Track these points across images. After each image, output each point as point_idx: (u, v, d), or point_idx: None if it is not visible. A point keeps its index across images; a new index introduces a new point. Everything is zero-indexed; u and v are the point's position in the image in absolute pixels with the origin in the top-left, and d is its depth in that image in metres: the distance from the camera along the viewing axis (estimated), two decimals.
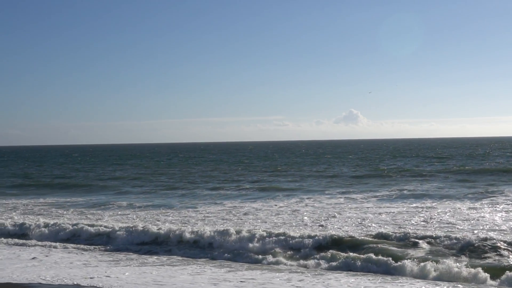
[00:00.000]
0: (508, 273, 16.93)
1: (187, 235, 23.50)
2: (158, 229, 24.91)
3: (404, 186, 43.66)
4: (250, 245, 21.63)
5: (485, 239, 20.48)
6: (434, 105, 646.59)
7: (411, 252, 19.60)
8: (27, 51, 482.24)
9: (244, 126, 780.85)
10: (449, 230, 23.51)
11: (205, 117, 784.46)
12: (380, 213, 29.43)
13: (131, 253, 22.80)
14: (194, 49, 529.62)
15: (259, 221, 28.15)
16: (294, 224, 26.82)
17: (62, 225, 27.49)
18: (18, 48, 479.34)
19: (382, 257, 18.82)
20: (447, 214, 28.42)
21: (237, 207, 33.97)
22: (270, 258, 20.42)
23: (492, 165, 67.73)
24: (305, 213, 30.31)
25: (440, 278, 17.13)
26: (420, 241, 20.76)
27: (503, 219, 26.39)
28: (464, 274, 17.13)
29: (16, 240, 26.15)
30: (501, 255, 19.02)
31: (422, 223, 25.84)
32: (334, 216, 28.81)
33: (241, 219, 28.94)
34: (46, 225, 27.71)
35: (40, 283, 17.50)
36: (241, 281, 17.18)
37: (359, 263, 18.90)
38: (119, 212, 33.57)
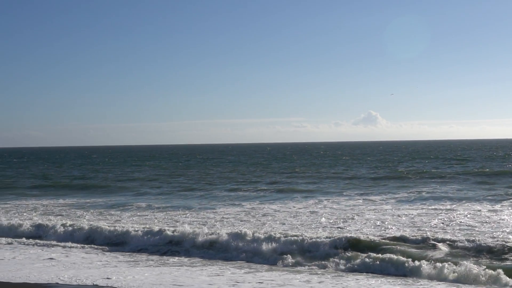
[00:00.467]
0: None
1: (205, 236, 23.50)
2: (173, 231, 24.93)
3: (423, 188, 43.44)
4: (269, 246, 21.59)
5: (505, 242, 20.32)
6: (454, 106, 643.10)
7: (430, 254, 19.48)
8: (48, 53, 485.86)
9: (263, 128, 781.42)
10: (469, 232, 23.35)
11: (224, 119, 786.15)
12: (398, 215, 29.30)
13: (150, 254, 22.88)
14: (215, 50, 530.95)
15: (278, 222, 28.14)
16: (312, 225, 26.77)
17: (81, 225, 27.63)
18: (38, 51, 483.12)
19: (401, 259, 18.73)
20: (467, 216, 28.23)
21: (256, 209, 33.98)
22: (288, 259, 20.39)
23: None
24: (323, 215, 30.25)
25: (459, 280, 17.03)
26: (439, 244, 20.64)
27: None
28: (484, 277, 17.00)
29: (35, 241, 26.31)
30: None
31: (441, 225, 25.69)
32: (353, 218, 28.72)
33: (260, 221, 28.93)
34: (65, 226, 27.86)
35: (57, 283, 17.61)
36: (259, 282, 17.18)
37: (378, 265, 18.83)
38: (138, 213, 33.69)
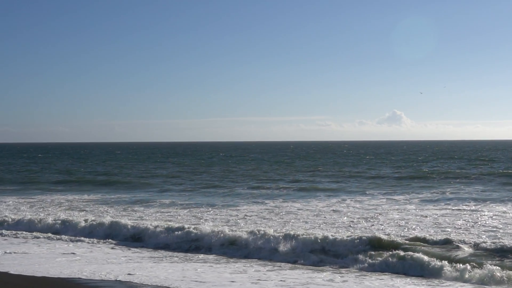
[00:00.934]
0: None
1: (228, 234, 23.52)
2: (196, 229, 25.00)
3: (447, 189, 43.15)
4: (291, 245, 21.58)
5: None
6: (480, 106, 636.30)
7: (454, 255, 19.33)
8: (75, 49, 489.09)
9: (287, 126, 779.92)
10: (493, 234, 23.16)
11: (248, 116, 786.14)
12: (422, 215, 29.13)
13: (173, 251, 22.97)
14: (240, 48, 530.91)
15: (301, 221, 28.13)
16: (335, 224, 26.72)
17: (104, 221, 27.82)
18: (66, 47, 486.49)
19: (425, 260, 18.62)
20: (491, 217, 27.99)
21: (278, 207, 33.98)
22: (311, 258, 20.39)
23: None
24: (346, 214, 30.18)
25: (483, 282, 16.89)
26: (463, 245, 20.48)
27: None
28: (508, 279, 16.85)
29: (59, 236, 26.56)
30: None
31: (465, 226, 25.50)
32: (376, 218, 28.63)
33: (282, 219, 28.94)
34: (88, 221, 28.07)
35: (80, 278, 17.77)
36: (282, 280, 17.20)
37: (401, 265, 18.75)
38: (162, 210, 33.86)
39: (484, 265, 17.75)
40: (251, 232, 23.36)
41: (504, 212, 29.92)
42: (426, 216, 28.78)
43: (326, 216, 29.70)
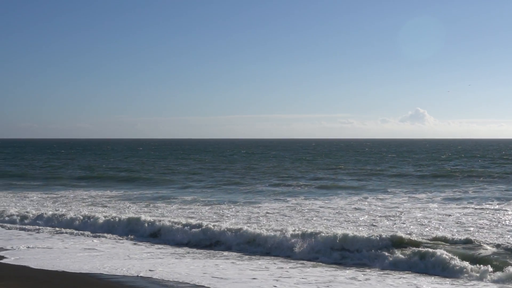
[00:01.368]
0: None
1: (249, 231, 23.51)
2: (216, 226, 25.06)
3: (470, 188, 42.83)
4: (313, 242, 21.53)
5: None
6: (504, 104, 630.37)
7: (477, 254, 19.17)
8: (97, 49, 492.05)
9: (309, 123, 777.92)
10: None
11: (270, 114, 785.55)
12: (444, 214, 28.93)
13: (195, 248, 22.98)
14: (261, 47, 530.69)
15: (322, 218, 28.06)
16: (357, 223, 26.63)
17: (126, 217, 27.93)
18: (89, 47, 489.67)
19: (447, 259, 18.48)
20: None
21: (300, 204, 33.94)
22: (333, 256, 20.34)
23: None
24: (368, 212, 30.06)
25: (506, 282, 16.74)
26: (486, 244, 20.31)
27: None
28: None
29: (80, 231, 26.77)
30: None
31: (488, 225, 25.29)
32: (397, 216, 28.49)
33: (304, 216, 28.90)
34: (111, 217, 28.19)
35: (101, 273, 17.88)
36: (303, 278, 17.19)
37: (423, 265, 18.64)
38: (184, 206, 33.93)
39: (508, 265, 17.60)
40: (273, 230, 23.35)
41: None
42: (449, 215, 28.58)
43: (347, 214, 29.61)
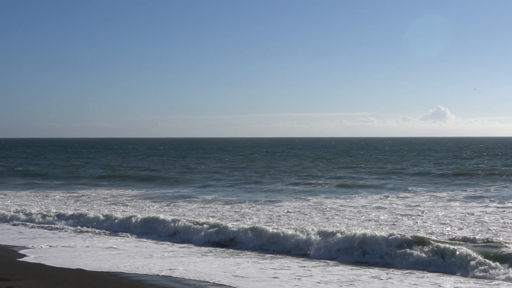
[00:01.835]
0: None
1: (270, 230, 23.50)
2: (235, 225, 25.13)
3: (492, 186, 42.52)
4: (334, 241, 21.47)
5: None
6: None
7: (500, 254, 18.98)
8: (119, 46, 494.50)
9: (329, 122, 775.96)
10: None
11: (290, 112, 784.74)
12: (466, 213, 28.73)
13: (216, 247, 22.97)
14: (283, 45, 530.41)
15: (343, 217, 28.01)
16: (378, 221, 26.54)
17: (147, 216, 28.05)
18: (110, 43, 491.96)
19: (470, 258, 18.33)
20: None
21: (321, 203, 33.89)
22: (355, 255, 20.29)
23: None
24: (389, 211, 29.94)
25: None
26: (509, 243, 20.13)
27: None
28: None
29: (102, 230, 26.97)
30: None
31: (510, 224, 25.09)
32: (419, 215, 28.36)
33: (325, 215, 28.86)
34: (132, 216, 28.29)
35: (122, 272, 17.96)
36: (324, 277, 17.17)
37: (446, 264, 18.51)
38: (205, 205, 34.00)
39: None
40: (294, 229, 23.33)
41: None
42: (471, 214, 28.39)
43: (368, 213, 29.53)
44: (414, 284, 16.33)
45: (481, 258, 18.30)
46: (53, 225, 28.44)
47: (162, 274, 17.67)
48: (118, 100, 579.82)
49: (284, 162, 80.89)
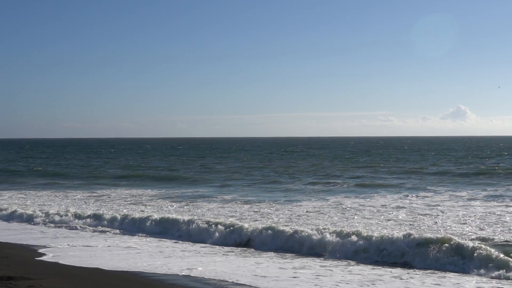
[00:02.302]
0: None
1: (289, 230, 23.49)
2: (254, 224, 25.19)
3: None
4: (354, 241, 21.42)
5: None
6: None
7: None
8: (137, 51, 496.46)
9: (348, 121, 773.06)
10: None
11: (309, 112, 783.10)
12: (487, 213, 28.52)
13: (234, 247, 23.00)
14: (301, 44, 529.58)
15: (362, 217, 27.92)
16: (397, 221, 26.43)
17: (166, 216, 28.16)
18: (128, 48, 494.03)
19: (491, 259, 18.20)
20: None
21: (340, 203, 33.81)
22: (375, 255, 20.22)
23: None
24: (409, 210, 29.81)
25: None
26: None
27: None
28: None
29: (122, 230, 27.18)
30: None
31: None
32: (439, 215, 28.22)
33: (344, 215, 28.80)
34: (153, 216, 28.41)
35: (142, 272, 18.05)
36: (344, 277, 17.14)
37: (467, 264, 18.38)
38: (224, 205, 34.04)
39: None
40: (314, 229, 23.30)
41: None
42: (491, 214, 28.19)
43: (388, 212, 29.42)
44: (436, 284, 16.27)
45: (503, 258, 18.16)
46: (74, 225, 28.64)
47: (182, 273, 17.73)
48: (137, 100, 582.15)
49: (302, 162, 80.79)
